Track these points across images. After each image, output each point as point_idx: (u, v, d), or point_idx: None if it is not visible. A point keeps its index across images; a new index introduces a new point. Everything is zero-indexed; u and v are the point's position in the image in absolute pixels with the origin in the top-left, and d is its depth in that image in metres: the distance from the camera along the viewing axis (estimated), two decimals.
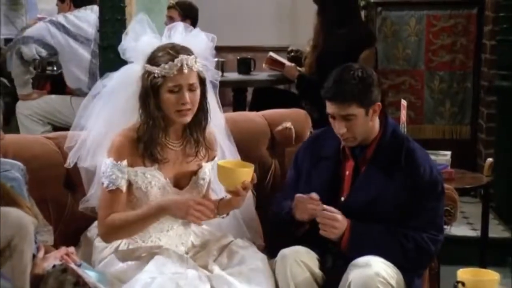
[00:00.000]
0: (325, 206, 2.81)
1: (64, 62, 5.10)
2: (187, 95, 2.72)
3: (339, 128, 2.86)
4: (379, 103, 2.89)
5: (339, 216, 2.80)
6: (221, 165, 2.75)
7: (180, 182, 2.83)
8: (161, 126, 2.74)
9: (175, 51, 2.71)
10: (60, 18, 5.08)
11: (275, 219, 3.00)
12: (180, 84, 2.71)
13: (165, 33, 2.83)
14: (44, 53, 5.03)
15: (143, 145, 2.74)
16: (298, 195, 2.87)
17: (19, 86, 5.13)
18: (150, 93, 2.71)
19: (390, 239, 2.79)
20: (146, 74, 2.72)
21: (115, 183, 2.72)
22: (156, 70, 2.70)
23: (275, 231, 3.05)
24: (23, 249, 2.29)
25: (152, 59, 2.73)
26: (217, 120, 2.95)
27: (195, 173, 2.85)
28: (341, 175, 2.94)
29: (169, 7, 5.95)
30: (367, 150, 2.91)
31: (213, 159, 2.90)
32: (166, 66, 2.69)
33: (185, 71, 2.70)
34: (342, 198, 2.91)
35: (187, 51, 2.73)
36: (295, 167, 3.07)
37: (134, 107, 2.78)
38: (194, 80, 2.74)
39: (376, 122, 2.92)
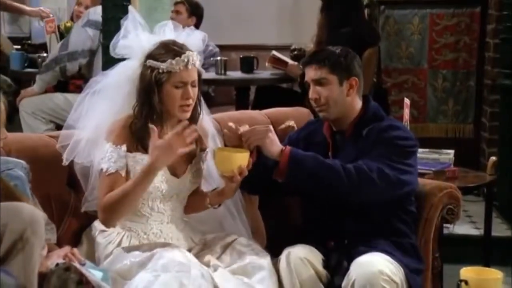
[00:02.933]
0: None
1: (96, 61, 5.00)
2: (191, 90, 2.75)
3: (311, 93, 2.93)
4: (356, 79, 2.93)
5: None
6: (218, 150, 2.80)
7: (177, 170, 2.85)
8: (159, 120, 2.75)
9: (179, 47, 2.75)
10: (98, 14, 4.72)
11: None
12: (186, 80, 2.74)
13: (157, 30, 2.85)
14: (84, 61, 4.94)
15: (138, 137, 2.75)
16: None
17: (38, 86, 5.10)
18: (155, 88, 2.73)
19: (330, 162, 2.79)
20: (149, 70, 2.74)
21: (114, 166, 2.72)
22: (161, 65, 2.72)
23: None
24: (34, 243, 2.29)
25: (155, 55, 2.75)
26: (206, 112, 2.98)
27: (190, 161, 2.88)
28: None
29: (177, 2, 5.95)
30: (345, 133, 2.95)
31: (204, 150, 2.93)
32: (173, 61, 2.72)
33: (190, 67, 2.74)
34: None
35: (187, 48, 2.76)
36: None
37: (130, 103, 2.80)
38: (195, 76, 2.78)
39: (355, 102, 2.96)
